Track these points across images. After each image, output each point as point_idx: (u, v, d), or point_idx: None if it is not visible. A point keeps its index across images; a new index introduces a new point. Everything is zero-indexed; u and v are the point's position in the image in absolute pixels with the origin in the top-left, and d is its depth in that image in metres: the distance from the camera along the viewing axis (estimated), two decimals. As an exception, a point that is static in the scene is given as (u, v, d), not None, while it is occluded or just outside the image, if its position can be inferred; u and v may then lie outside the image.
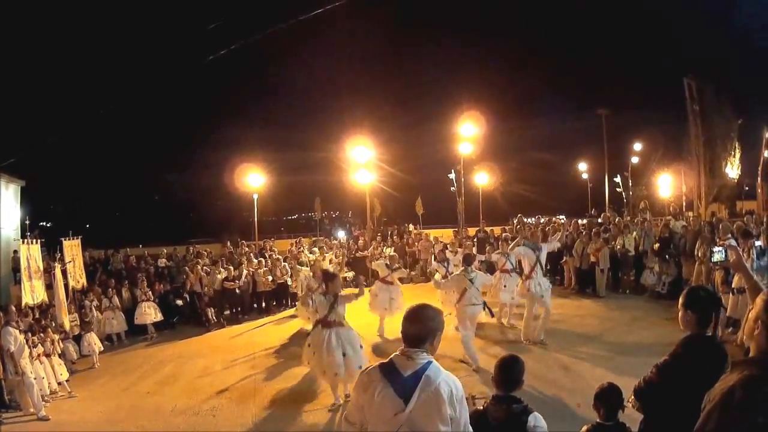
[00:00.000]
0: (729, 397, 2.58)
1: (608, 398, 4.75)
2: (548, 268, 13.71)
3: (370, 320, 14.31)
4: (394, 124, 41.62)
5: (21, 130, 31.44)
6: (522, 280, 12.83)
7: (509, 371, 4.43)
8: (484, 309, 11.48)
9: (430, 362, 3.57)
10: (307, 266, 18.30)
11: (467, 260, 11.59)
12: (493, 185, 34.44)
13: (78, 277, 16.25)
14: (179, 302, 17.69)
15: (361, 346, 9.63)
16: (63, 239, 16.38)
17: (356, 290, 10.23)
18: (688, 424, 2.73)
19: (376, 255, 23.15)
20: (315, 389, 10.27)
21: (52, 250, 15.92)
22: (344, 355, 9.27)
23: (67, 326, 13.43)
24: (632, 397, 4.18)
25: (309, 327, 13.37)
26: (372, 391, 3.50)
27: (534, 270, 12.42)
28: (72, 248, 16.46)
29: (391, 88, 55.17)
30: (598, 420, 4.75)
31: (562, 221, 26.12)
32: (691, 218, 20.87)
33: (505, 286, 14.34)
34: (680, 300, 4.19)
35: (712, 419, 2.61)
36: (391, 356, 3.64)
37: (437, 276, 13.84)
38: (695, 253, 15.54)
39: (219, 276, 17.79)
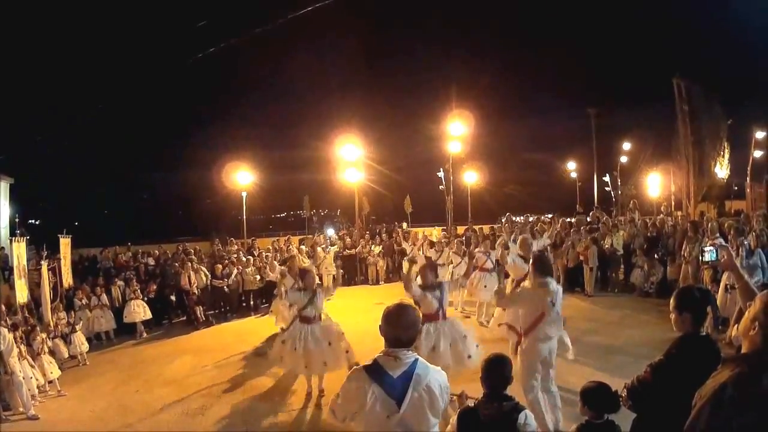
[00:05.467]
0: (720, 394, 2.60)
1: (595, 397, 4.75)
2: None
3: (356, 318, 14.36)
4: (383, 123, 41.79)
5: (9, 127, 31.33)
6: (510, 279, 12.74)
7: (498, 370, 4.45)
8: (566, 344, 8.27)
9: (416, 360, 3.61)
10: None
11: (543, 267, 7.49)
12: (482, 184, 34.47)
13: (65, 276, 16.24)
14: (172, 298, 17.69)
15: (342, 333, 9.79)
16: (60, 236, 16.43)
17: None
18: (682, 423, 2.75)
19: (365, 253, 23.28)
20: (303, 386, 10.25)
21: (40, 248, 15.89)
22: (329, 344, 9.42)
23: (52, 325, 13.37)
24: (624, 395, 4.20)
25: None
26: (362, 396, 3.51)
27: None
28: (64, 246, 16.50)
29: (380, 87, 55.42)
30: (587, 419, 4.76)
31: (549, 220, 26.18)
32: (679, 217, 20.96)
33: (485, 286, 14.31)
34: (672, 303, 4.20)
35: (703, 416, 2.63)
36: (375, 358, 3.66)
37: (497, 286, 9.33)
38: (681, 252, 15.64)
39: (207, 274, 17.81)
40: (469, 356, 8.10)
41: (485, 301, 14.39)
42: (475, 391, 4.55)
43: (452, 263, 16.61)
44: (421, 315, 3.86)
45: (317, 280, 10.34)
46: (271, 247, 21.68)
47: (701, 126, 30.01)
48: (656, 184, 33.55)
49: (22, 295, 13.82)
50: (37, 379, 10.88)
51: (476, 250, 15.63)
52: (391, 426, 3.41)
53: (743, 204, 31.80)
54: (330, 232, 30.32)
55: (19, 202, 25.57)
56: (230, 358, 13.06)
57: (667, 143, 33.72)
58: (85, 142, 43.36)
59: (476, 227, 24.71)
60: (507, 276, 11.62)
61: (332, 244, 22.92)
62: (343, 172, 28.02)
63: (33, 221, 40.60)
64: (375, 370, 3.59)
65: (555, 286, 7.41)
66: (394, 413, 3.43)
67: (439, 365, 6.75)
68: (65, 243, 16.63)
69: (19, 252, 14.31)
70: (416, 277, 8.61)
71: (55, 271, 15.39)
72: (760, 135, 33.27)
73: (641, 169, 37.56)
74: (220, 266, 18.37)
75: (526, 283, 7.90)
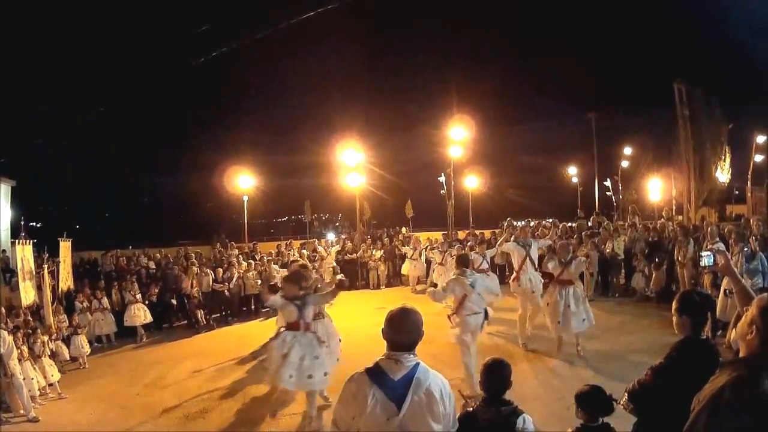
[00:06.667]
0: (718, 397, 2.62)
1: (589, 401, 4.76)
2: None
3: (357, 323, 14.41)
4: (384, 127, 41.71)
5: (10, 130, 31.35)
6: (513, 276, 12.94)
7: (496, 374, 4.46)
8: (486, 319, 9.90)
9: (417, 364, 3.62)
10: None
11: (463, 262, 10.29)
12: (483, 188, 34.50)
13: (65, 279, 16.26)
14: (173, 301, 17.71)
15: (339, 340, 9.93)
16: (60, 240, 16.46)
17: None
18: (682, 426, 2.76)
19: (366, 258, 23.29)
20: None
21: (41, 251, 15.92)
22: (327, 346, 9.36)
23: (54, 327, 13.38)
24: (625, 399, 4.21)
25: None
26: (363, 398, 3.51)
27: (524, 265, 12.58)
28: (64, 249, 16.52)
29: (381, 91, 55.27)
30: (582, 422, 4.77)
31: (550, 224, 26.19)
32: (678, 221, 20.99)
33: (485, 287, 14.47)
34: (674, 305, 4.24)
35: (701, 419, 2.65)
36: (377, 361, 3.67)
37: (437, 287, 11.86)
38: (675, 257, 15.67)
39: (208, 278, 17.83)
40: (310, 376, 8.41)
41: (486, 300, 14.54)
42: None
43: (452, 267, 16.74)
44: (421, 316, 3.85)
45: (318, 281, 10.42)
46: (273, 251, 21.77)
47: (702, 130, 29.98)
48: (657, 188, 33.53)
49: (27, 297, 13.86)
50: (38, 381, 10.89)
51: (472, 252, 15.78)
52: (391, 428, 3.42)
53: (744, 208, 31.75)
54: (330, 236, 30.33)
55: (20, 204, 25.58)
56: (231, 362, 13.06)
57: (668, 147, 33.72)
58: (87, 145, 43.38)
59: (477, 232, 24.74)
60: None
61: (332, 246, 23.01)
62: (344, 177, 28.07)
63: (34, 224, 40.60)
64: (376, 373, 3.59)
65: (471, 273, 9.96)
66: (393, 416, 3.43)
67: (287, 373, 7.85)
68: (65, 246, 16.66)
69: (24, 254, 14.35)
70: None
71: (54, 274, 15.42)
72: (760, 139, 33.30)
73: (642, 173, 37.56)
74: (221, 270, 18.39)
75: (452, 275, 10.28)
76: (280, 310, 9.07)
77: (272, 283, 17.36)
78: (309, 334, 8.67)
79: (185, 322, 17.78)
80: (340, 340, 9.93)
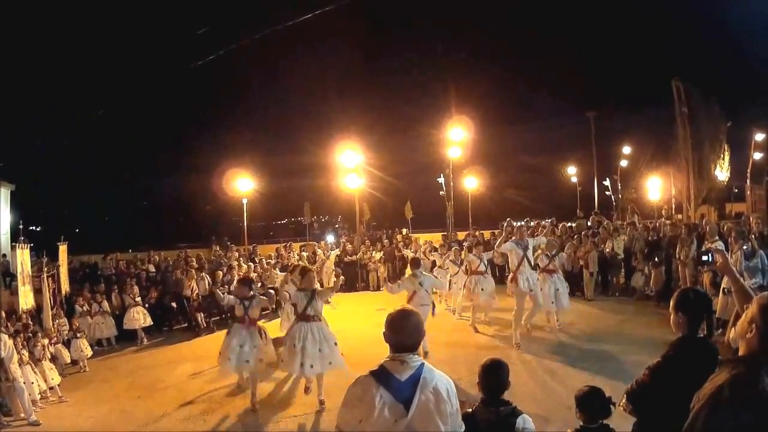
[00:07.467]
0: (717, 395, 2.62)
1: (587, 402, 4.76)
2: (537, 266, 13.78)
3: (357, 324, 14.39)
4: (382, 129, 41.64)
5: (10, 134, 31.33)
6: (510, 277, 12.95)
7: (495, 375, 4.45)
8: (432, 312, 13.12)
9: (423, 363, 3.59)
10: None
11: (415, 264, 12.58)
12: (482, 189, 34.43)
13: (62, 283, 16.26)
14: (173, 304, 17.70)
15: (335, 344, 9.77)
16: (58, 244, 16.47)
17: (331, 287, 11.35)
18: (682, 425, 2.76)
19: (365, 259, 23.28)
20: (302, 392, 10.24)
21: (40, 255, 15.89)
22: (320, 350, 9.45)
23: (53, 331, 13.37)
24: (624, 399, 4.20)
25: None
26: (370, 401, 3.45)
27: (521, 265, 12.59)
28: (62, 253, 16.53)
29: (379, 92, 55.16)
30: (581, 423, 4.76)
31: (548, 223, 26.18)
32: (674, 221, 20.96)
33: (482, 289, 14.49)
34: (671, 303, 4.23)
35: (701, 418, 2.64)
36: (382, 363, 3.62)
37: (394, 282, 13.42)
38: (677, 255, 15.65)
39: (205, 281, 17.80)
40: (247, 361, 9.94)
41: (483, 303, 14.59)
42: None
43: (448, 269, 16.68)
44: (421, 320, 3.84)
45: (316, 283, 10.49)
46: (273, 254, 21.81)
47: (701, 128, 30.01)
48: (656, 187, 33.58)
49: (26, 301, 13.85)
50: (39, 385, 10.88)
51: (470, 254, 15.80)
52: (399, 430, 3.39)
53: (744, 206, 31.76)
54: (330, 239, 30.32)
55: (20, 208, 25.55)
56: (231, 364, 13.04)
57: (667, 146, 33.75)
58: (86, 148, 43.34)
59: (477, 233, 24.69)
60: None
61: (331, 250, 23.05)
62: (343, 179, 28.09)
63: (33, 228, 40.54)
64: (382, 375, 3.54)
65: (421, 274, 12.11)
66: (402, 417, 3.38)
67: (227, 356, 9.53)
68: (63, 250, 16.67)
69: (23, 259, 14.35)
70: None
71: (54, 278, 15.42)
72: (759, 137, 33.29)
73: (641, 172, 37.55)
74: (220, 273, 18.35)
75: (408, 273, 13.21)
76: (233, 307, 10.70)
77: (270, 286, 17.52)
78: (252, 327, 10.28)
79: (185, 324, 17.79)
80: (336, 344, 9.87)
